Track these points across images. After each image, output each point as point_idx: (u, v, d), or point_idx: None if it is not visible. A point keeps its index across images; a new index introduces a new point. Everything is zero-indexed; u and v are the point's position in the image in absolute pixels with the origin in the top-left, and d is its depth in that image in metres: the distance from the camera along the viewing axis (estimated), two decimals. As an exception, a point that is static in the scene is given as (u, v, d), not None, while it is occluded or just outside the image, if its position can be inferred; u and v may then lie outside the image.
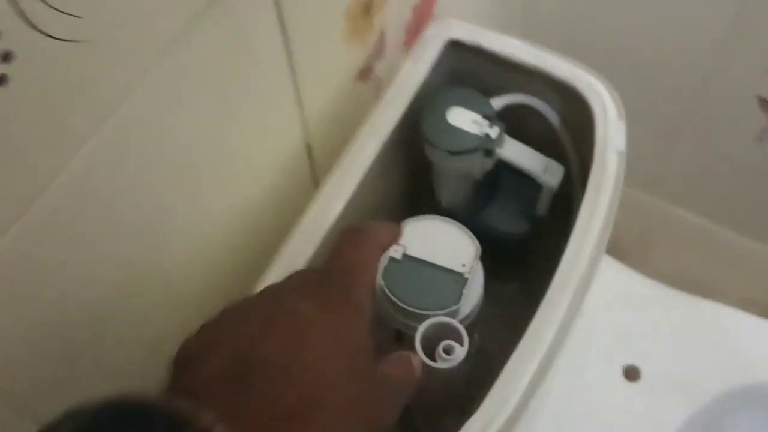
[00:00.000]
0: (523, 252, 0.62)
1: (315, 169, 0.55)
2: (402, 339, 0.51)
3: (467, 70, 0.54)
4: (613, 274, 0.69)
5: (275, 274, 0.46)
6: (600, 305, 0.66)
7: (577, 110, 0.51)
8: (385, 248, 0.43)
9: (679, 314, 0.66)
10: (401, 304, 0.47)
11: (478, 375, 0.59)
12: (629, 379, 0.62)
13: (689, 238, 1.03)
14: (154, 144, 0.37)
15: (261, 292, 0.35)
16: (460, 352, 0.45)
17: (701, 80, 0.86)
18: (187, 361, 0.30)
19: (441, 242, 0.49)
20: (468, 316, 0.49)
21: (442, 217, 0.50)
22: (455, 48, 0.53)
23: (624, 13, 0.85)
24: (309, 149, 0.54)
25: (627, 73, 0.85)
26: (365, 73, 0.58)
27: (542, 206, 0.56)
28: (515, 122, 0.53)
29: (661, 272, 1.01)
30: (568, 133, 0.54)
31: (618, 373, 0.62)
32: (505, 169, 0.55)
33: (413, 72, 0.52)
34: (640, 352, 0.63)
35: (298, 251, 0.47)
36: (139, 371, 0.42)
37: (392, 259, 0.49)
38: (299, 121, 0.51)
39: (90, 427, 0.22)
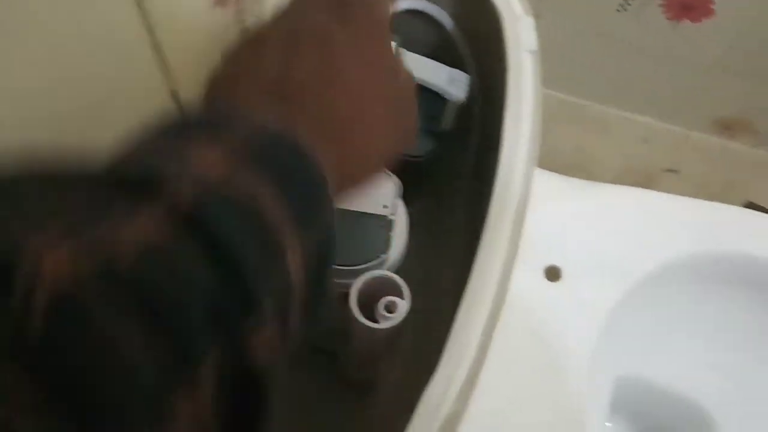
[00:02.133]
0: (426, 170, 0.57)
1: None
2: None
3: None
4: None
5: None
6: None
7: (477, 11, 0.45)
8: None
9: (582, 203, 0.65)
10: (325, 264, 0.41)
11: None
12: (551, 280, 0.61)
13: (562, 117, 1.03)
14: None
15: (281, 14, 0.31)
16: (403, 307, 0.40)
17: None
18: (220, 91, 0.28)
19: (354, 184, 0.43)
20: (397, 262, 0.44)
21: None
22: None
23: None
24: (175, 95, 0.44)
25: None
26: (222, -3, 0.48)
27: (447, 121, 0.51)
28: (409, 33, 0.47)
29: (542, 154, 1.01)
30: (465, 38, 0.49)
31: (540, 276, 0.61)
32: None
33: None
34: (557, 251, 0.62)
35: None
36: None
37: (303, 214, 0.42)
38: (158, 65, 0.41)
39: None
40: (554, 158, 1.01)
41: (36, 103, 0.32)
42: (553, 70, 1.00)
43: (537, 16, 0.91)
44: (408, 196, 0.54)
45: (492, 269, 0.38)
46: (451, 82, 0.47)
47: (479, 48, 0.48)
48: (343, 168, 0.27)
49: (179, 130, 0.23)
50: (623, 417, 0.78)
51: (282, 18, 0.31)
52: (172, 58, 0.43)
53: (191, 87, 0.45)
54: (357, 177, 0.30)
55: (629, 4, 0.87)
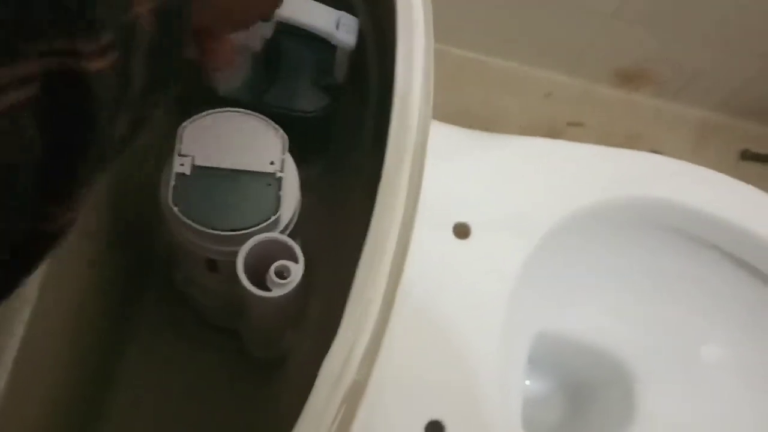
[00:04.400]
0: (324, 128, 0.53)
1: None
2: (216, 267, 0.42)
3: None
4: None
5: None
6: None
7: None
8: None
9: (488, 156, 0.62)
10: (207, 230, 0.37)
11: (305, 276, 0.52)
12: (461, 238, 0.58)
13: (464, 73, 1.01)
14: None
15: None
16: (296, 271, 0.36)
17: None
18: None
19: (237, 140, 0.39)
20: (290, 223, 0.40)
21: (230, 109, 0.40)
22: None
23: None
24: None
25: None
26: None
27: (339, 72, 0.47)
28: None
29: (447, 113, 0.99)
30: (351, -25, 0.45)
31: (449, 234, 0.58)
32: (288, 35, 0.45)
33: None
34: (464, 208, 0.59)
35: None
36: None
37: (180, 176, 0.38)
38: None
39: None
40: (459, 116, 0.99)
41: None
42: (454, 26, 0.98)
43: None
44: (305, 155, 0.50)
45: (389, 225, 0.35)
46: (338, 26, 0.43)
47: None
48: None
49: None
50: (543, 373, 0.77)
51: None
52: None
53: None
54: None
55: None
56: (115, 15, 0.21)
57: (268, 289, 0.36)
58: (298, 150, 0.45)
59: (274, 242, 0.37)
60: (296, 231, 0.46)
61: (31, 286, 0.33)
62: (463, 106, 1.00)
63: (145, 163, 0.45)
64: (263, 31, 0.43)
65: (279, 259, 0.37)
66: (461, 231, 0.59)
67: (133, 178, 0.45)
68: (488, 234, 0.59)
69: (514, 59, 1.01)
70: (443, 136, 0.63)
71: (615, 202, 0.63)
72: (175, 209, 0.37)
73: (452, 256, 0.58)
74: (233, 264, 0.37)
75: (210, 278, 0.43)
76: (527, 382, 0.77)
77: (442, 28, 0.96)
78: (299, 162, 0.45)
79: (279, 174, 0.39)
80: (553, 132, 1.00)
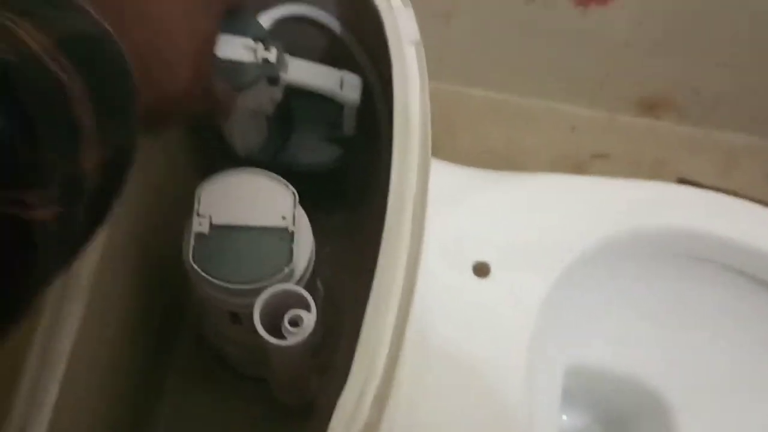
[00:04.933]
0: (341, 179, 0.56)
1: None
2: (239, 320, 0.44)
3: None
4: (434, 172, 0.65)
5: (56, 304, 0.36)
6: (430, 210, 0.62)
7: (357, 8, 0.44)
8: None
9: (504, 196, 0.64)
10: (226, 285, 0.40)
11: (331, 322, 0.53)
12: (481, 276, 0.60)
13: (487, 114, 1.03)
14: None
15: None
16: (309, 320, 0.38)
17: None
18: None
19: (250, 199, 0.42)
20: (305, 273, 0.42)
21: (244, 169, 0.42)
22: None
23: None
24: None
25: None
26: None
27: (348, 126, 0.50)
28: (291, 39, 0.45)
29: (473, 155, 1.01)
30: (353, 37, 0.48)
31: (468, 274, 0.60)
32: (297, 96, 0.48)
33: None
34: (484, 246, 0.61)
35: (77, 268, 0.37)
36: None
37: (199, 235, 0.40)
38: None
39: None
40: (484, 156, 1.01)
41: None
42: (472, 67, 1.01)
43: (450, 16, 0.91)
44: (325, 205, 0.52)
45: (395, 269, 0.37)
46: (342, 85, 0.45)
47: (370, 47, 0.47)
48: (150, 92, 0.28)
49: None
50: (579, 408, 0.77)
51: None
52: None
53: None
54: (164, 84, 0.30)
55: (535, -5, 0.87)
56: (63, 170, 0.22)
57: (284, 338, 0.38)
58: (317, 201, 0.47)
59: (288, 293, 0.39)
60: (315, 279, 0.48)
61: (62, 347, 0.36)
62: (487, 147, 1.02)
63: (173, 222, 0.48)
64: (273, 95, 0.46)
65: (294, 309, 0.39)
66: (481, 269, 0.60)
67: (163, 236, 0.48)
68: (508, 271, 0.60)
69: (535, 96, 1.03)
70: (459, 178, 0.65)
71: (637, 233, 0.63)
72: (196, 267, 0.40)
73: (473, 295, 0.59)
74: (251, 317, 0.39)
75: (234, 330, 0.45)
76: (564, 417, 0.77)
77: (461, 71, 1.00)
78: (320, 212, 0.48)
79: (291, 228, 0.41)
80: (578, 165, 1.01)
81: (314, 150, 0.52)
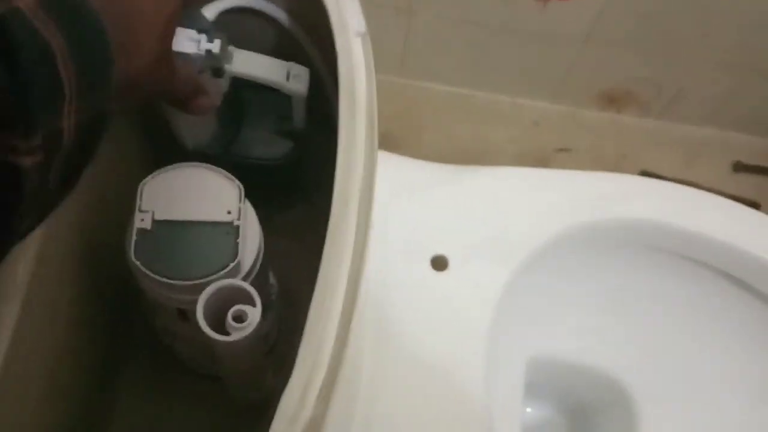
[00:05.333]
0: (295, 173, 0.55)
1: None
2: (187, 317, 0.43)
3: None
4: (392, 168, 0.65)
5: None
6: (388, 203, 0.62)
7: (301, 2, 0.43)
8: None
9: (462, 189, 0.64)
10: (170, 281, 0.39)
11: (288, 319, 0.53)
12: (439, 270, 0.59)
13: (451, 110, 1.03)
14: None
15: None
16: (254, 315, 0.38)
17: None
18: None
19: (195, 193, 0.41)
20: (252, 268, 0.42)
21: (188, 164, 0.42)
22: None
23: None
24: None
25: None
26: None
27: (298, 118, 0.49)
28: (238, 31, 0.45)
29: (437, 150, 1.01)
30: (302, 29, 0.47)
31: (426, 268, 0.59)
32: (246, 88, 0.47)
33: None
34: (443, 239, 0.60)
35: (13, 268, 0.36)
36: None
37: (141, 231, 0.39)
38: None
39: None
40: (449, 151, 1.01)
41: None
42: (435, 63, 1.01)
43: (410, 12, 0.91)
44: (279, 199, 0.51)
45: (340, 261, 0.36)
46: (289, 76, 0.45)
47: (319, 39, 0.47)
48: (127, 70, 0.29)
49: None
50: (543, 399, 0.77)
51: None
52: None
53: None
54: (132, 55, 0.31)
55: (496, -10, 0.87)
56: (46, 123, 0.24)
57: (228, 334, 0.38)
58: (271, 195, 0.47)
59: (233, 288, 0.38)
60: (266, 274, 0.47)
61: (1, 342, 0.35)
62: (451, 142, 1.02)
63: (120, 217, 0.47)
64: (219, 87, 0.45)
65: (240, 304, 0.38)
66: (439, 263, 0.60)
67: (108, 231, 0.47)
68: (466, 264, 0.60)
69: (498, 91, 1.03)
70: (418, 172, 0.64)
71: (594, 224, 0.64)
72: (138, 263, 0.39)
73: (431, 289, 0.59)
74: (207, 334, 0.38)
75: (183, 327, 0.45)
76: (528, 410, 0.77)
77: (424, 67, 0.99)
78: (275, 206, 0.47)
79: (236, 222, 0.40)
80: (542, 159, 1.02)
81: (265, 143, 0.51)
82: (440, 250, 0.60)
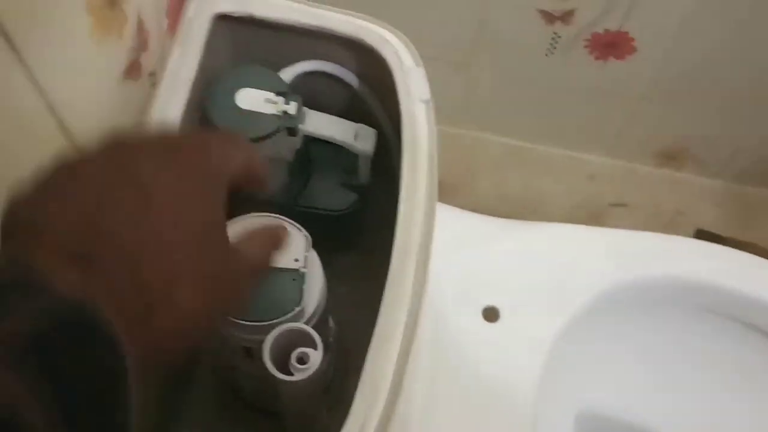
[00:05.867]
0: (358, 222, 0.59)
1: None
2: (251, 354, 0.46)
3: (247, 45, 0.49)
4: (447, 219, 0.68)
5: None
6: (443, 254, 0.64)
7: (372, 65, 0.47)
8: (241, 164, 0.33)
9: (514, 244, 0.66)
10: (240, 321, 0.42)
11: (343, 360, 0.55)
12: (490, 321, 0.61)
13: (507, 160, 1.06)
14: None
15: (109, 146, 0.29)
16: (316, 357, 0.41)
17: (482, 4, 0.87)
18: (20, 228, 0.26)
19: (266, 241, 0.44)
20: (315, 313, 0.45)
21: (261, 214, 0.45)
22: (226, 22, 0.47)
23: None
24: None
25: (411, 16, 0.83)
26: (133, 71, 0.50)
27: (363, 174, 0.53)
28: (313, 92, 0.49)
29: (491, 199, 1.03)
30: (371, 92, 0.51)
31: (478, 318, 0.61)
32: (316, 145, 0.51)
33: (184, 57, 0.45)
34: (493, 292, 0.63)
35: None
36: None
37: (216, 275, 0.43)
38: (68, 145, 0.43)
39: None
40: (503, 201, 1.03)
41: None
42: (492, 115, 1.04)
43: (471, 66, 0.95)
44: (335, 249, 0.54)
45: (398, 310, 0.39)
46: (357, 137, 0.48)
47: (386, 102, 0.50)
48: (151, 340, 0.26)
49: None
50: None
51: (114, 154, 0.29)
52: (79, 131, 0.44)
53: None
54: (168, 348, 0.27)
55: (555, 48, 0.90)
56: None
57: (291, 374, 0.41)
58: (334, 242, 0.50)
59: (297, 331, 0.41)
60: (327, 318, 0.50)
61: None
62: (506, 192, 1.04)
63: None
64: (293, 144, 0.49)
65: (302, 347, 0.41)
66: (491, 314, 0.62)
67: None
68: (517, 316, 0.62)
69: (554, 144, 1.05)
70: (473, 225, 0.67)
71: (643, 282, 0.65)
72: (212, 303, 0.42)
73: (481, 339, 0.61)
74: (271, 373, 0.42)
75: (247, 364, 0.48)
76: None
77: (483, 118, 1.03)
78: (337, 253, 0.50)
79: (302, 270, 0.43)
80: (596, 213, 1.03)
81: (331, 194, 0.55)
82: (492, 302, 0.62)
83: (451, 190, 1.04)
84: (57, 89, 0.40)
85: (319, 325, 0.46)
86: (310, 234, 0.45)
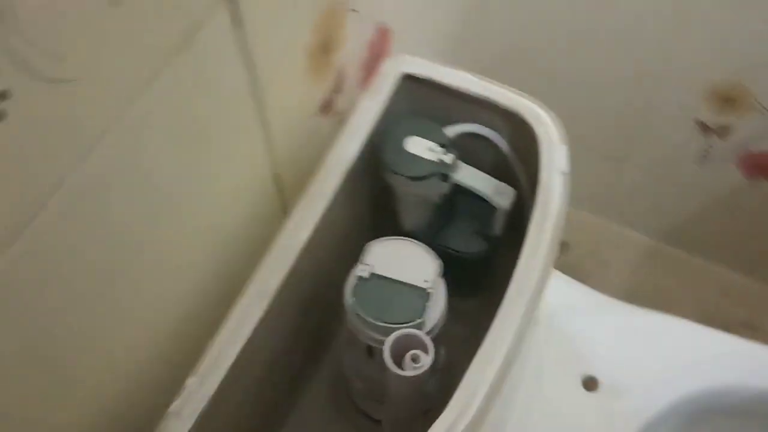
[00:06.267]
0: (484, 270, 0.66)
1: (284, 197, 0.58)
2: (372, 354, 0.54)
3: (422, 102, 0.59)
4: (572, 293, 0.73)
5: (247, 300, 0.49)
6: (557, 320, 0.70)
7: (523, 136, 0.55)
8: None
9: (632, 325, 0.70)
10: (369, 320, 0.51)
11: (447, 390, 0.62)
12: (588, 390, 0.66)
13: (641, 258, 1.08)
14: (127, 183, 0.39)
15: None
16: (426, 360, 0.48)
17: (644, 105, 0.92)
18: None
19: (405, 261, 0.53)
20: (433, 329, 0.52)
21: (406, 238, 0.54)
22: (410, 82, 0.58)
23: (566, 52, 0.91)
24: (277, 178, 0.57)
25: (573, 102, 0.90)
26: (327, 108, 0.62)
27: (497, 227, 0.60)
28: (468, 149, 0.57)
29: (619, 291, 1.06)
30: (517, 157, 0.59)
31: (577, 384, 0.66)
32: (461, 193, 0.59)
33: (372, 105, 0.56)
34: (597, 363, 0.67)
35: (268, 277, 0.50)
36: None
37: (360, 278, 0.52)
38: (267, 152, 0.54)
39: None
40: (629, 294, 1.05)
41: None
42: (635, 212, 1.07)
43: (622, 161, 1.00)
44: (464, 289, 0.62)
45: (500, 343, 0.46)
46: (497, 192, 0.56)
47: (529, 167, 0.58)
48: None
49: None
50: None
51: None
52: (279, 148, 0.55)
53: (290, 174, 0.58)
54: None
55: (706, 158, 0.94)
56: None
57: (403, 370, 0.48)
58: (457, 284, 0.58)
59: (413, 337, 0.49)
60: (440, 342, 0.57)
61: (233, 349, 0.47)
62: (635, 290, 1.07)
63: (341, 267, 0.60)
64: (442, 189, 0.57)
65: (416, 350, 0.49)
66: (590, 384, 0.66)
67: (329, 275, 0.61)
68: (615, 392, 0.66)
69: (691, 251, 1.07)
70: (587, 297, 0.72)
71: (749, 389, 0.66)
72: (351, 301, 0.51)
73: (577, 406, 0.65)
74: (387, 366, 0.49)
75: (367, 364, 0.56)
76: None
77: (626, 211, 1.06)
78: (458, 295, 0.58)
79: (429, 290, 0.51)
80: (723, 329, 1.02)
81: (466, 240, 0.63)
82: (594, 372, 0.67)
83: (582, 275, 1.08)
84: (272, 111, 0.52)
85: (433, 342, 0.53)
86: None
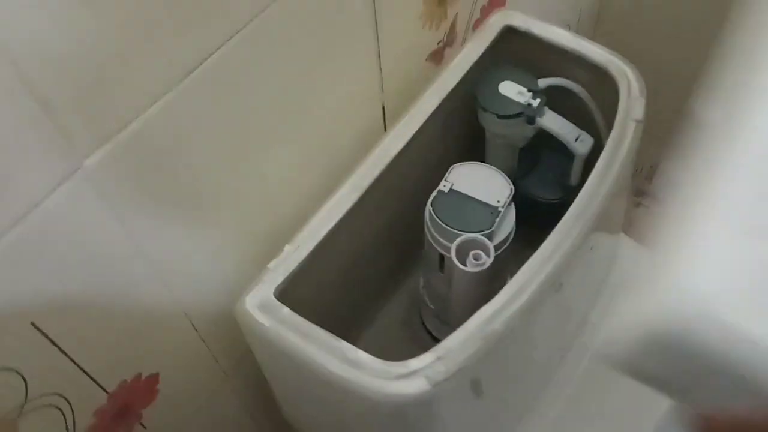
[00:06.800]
0: (556, 218, 0.71)
1: (386, 122, 0.66)
2: (443, 267, 0.62)
3: (520, 54, 0.65)
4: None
5: (343, 190, 0.57)
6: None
7: (607, 89, 0.61)
8: None
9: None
10: (444, 225, 0.58)
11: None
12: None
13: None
14: (273, 69, 0.48)
15: None
16: (486, 261, 0.55)
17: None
18: None
19: (483, 183, 0.60)
20: (499, 245, 0.59)
21: (485, 164, 0.61)
22: (511, 34, 0.65)
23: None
24: (383, 108, 0.65)
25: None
26: (436, 57, 0.69)
27: (574, 176, 0.66)
28: (556, 100, 0.64)
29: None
30: (599, 110, 0.64)
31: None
32: (544, 146, 0.65)
33: (474, 48, 0.64)
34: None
35: (363, 175, 0.58)
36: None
37: (440, 192, 0.60)
38: (378, 83, 0.62)
39: None
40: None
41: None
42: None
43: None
44: (537, 240, 0.68)
45: (557, 251, 0.52)
46: (577, 139, 0.62)
47: (609, 123, 0.63)
48: None
49: None
50: None
51: None
52: (389, 80, 0.63)
53: (395, 104, 0.66)
54: None
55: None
56: None
57: (466, 266, 0.55)
58: (530, 225, 0.63)
59: (479, 242, 0.56)
60: (506, 264, 0.63)
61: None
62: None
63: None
64: (526, 132, 0.64)
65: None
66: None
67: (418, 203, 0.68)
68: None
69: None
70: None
71: None
72: (430, 209, 0.59)
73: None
74: (454, 266, 0.56)
75: (438, 279, 0.63)
76: None
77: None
78: (529, 239, 0.63)
79: (500, 209, 0.58)
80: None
81: (545, 187, 0.69)
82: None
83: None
84: (387, 46, 0.60)
85: (499, 258, 0.60)
86: (517, 212, 0.59)
